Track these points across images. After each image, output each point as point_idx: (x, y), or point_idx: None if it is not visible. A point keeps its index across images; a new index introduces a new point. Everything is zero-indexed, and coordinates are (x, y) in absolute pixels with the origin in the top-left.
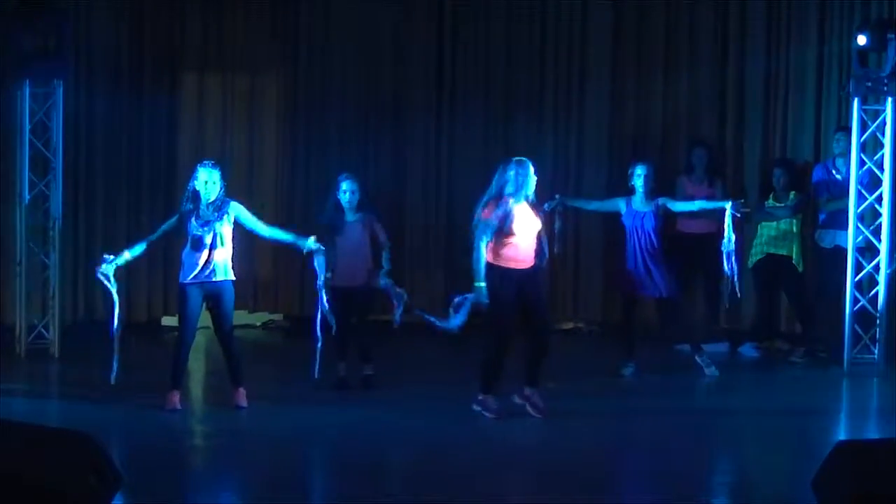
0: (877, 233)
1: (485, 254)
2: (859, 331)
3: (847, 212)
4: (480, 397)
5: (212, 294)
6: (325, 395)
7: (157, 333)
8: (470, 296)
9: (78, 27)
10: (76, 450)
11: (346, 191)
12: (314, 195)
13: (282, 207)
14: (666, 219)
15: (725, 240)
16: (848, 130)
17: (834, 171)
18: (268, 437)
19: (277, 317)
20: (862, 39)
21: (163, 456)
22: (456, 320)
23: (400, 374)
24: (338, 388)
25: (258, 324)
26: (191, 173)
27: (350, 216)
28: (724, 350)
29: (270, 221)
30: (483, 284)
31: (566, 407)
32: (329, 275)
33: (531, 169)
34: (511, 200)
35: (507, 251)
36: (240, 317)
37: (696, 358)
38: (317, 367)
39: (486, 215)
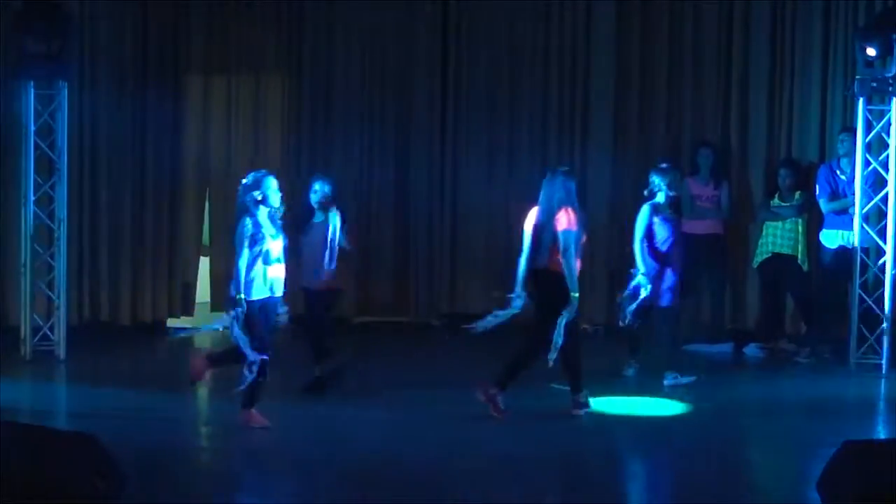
0: (882, 233)
1: (575, 264)
2: (865, 331)
3: (852, 212)
4: (493, 391)
5: (272, 309)
6: (331, 395)
7: (162, 335)
8: (566, 312)
9: (82, 29)
10: (81, 451)
11: (316, 191)
12: None
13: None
14: None
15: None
16: (852, 131)
17: (838, 172)
18: (272, 439)
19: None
20: (871, 52)
21: (167, 457)
22: (559, 340)
23: (406, 374)
24: (312, 390)
25: None
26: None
27: (317, 217)
28: (727, 350)
29: None
30: (577, 295)
31: (567, 406)
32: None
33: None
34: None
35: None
36: None
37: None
38: None
39: (573, 226)
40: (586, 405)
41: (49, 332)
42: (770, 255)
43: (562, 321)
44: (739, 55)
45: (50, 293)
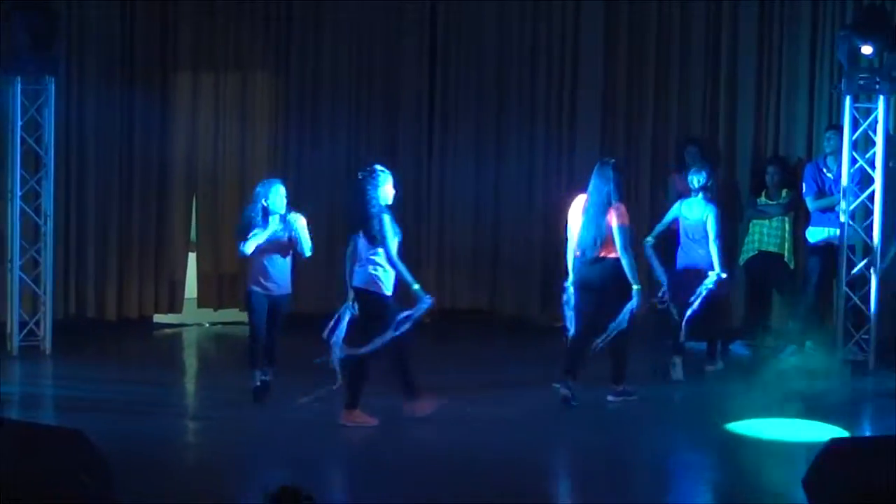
0: (868, 231)
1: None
2: (851, 329)
3: (838, 210)
4: (568, 383)
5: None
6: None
7: (149, 330)
8: (631, 304)
9: (70, 24)
10: (68, 447)
11: (281, 195)
12: (305, 193)
13: None
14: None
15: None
16: (838, 128)
17: (825, 170)
18: (258, 434)
19: None
20: (867, 49)
21: (154, 453)
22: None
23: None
24: (259, 397)
25: None
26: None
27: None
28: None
29: None
30: (639, 287)
31: (553, 404)
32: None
33: None
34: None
35: None
36: (231, 314)
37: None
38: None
39: (626, 220)
40: (629, 393)
41: (35, 328)
42: (756, 252)
43: (628, 309)
44: (727, 52)
45: (36, 288)
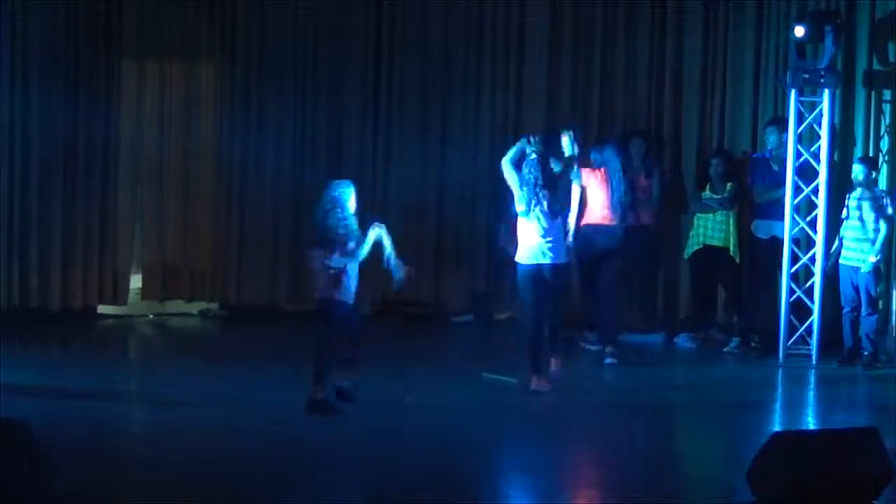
0: (813, 224)
1: None
2: (795, 322)
3: (783, 203)
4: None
5: None
6: (263, 386)
7: (93, 320)
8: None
9: (14, 13)
10: (9, 437)
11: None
12: (250, 180)
13: (221, 192)
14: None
15: None
16: (778, 122)
17: (772, 163)
18: (198, 428)
19: (213, 305)
20: (800, 31)
21: (96, 443)
22: None
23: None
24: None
25: (195, 312)
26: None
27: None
28: (659, 340)
29: (208, 206)
30: None
31: (499, 397)
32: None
33: None
34: None
35: None
36: (176, 305)
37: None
38: None
39: None
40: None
41: None
42: (701, 246)
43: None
44: (672, 44)
45: None
